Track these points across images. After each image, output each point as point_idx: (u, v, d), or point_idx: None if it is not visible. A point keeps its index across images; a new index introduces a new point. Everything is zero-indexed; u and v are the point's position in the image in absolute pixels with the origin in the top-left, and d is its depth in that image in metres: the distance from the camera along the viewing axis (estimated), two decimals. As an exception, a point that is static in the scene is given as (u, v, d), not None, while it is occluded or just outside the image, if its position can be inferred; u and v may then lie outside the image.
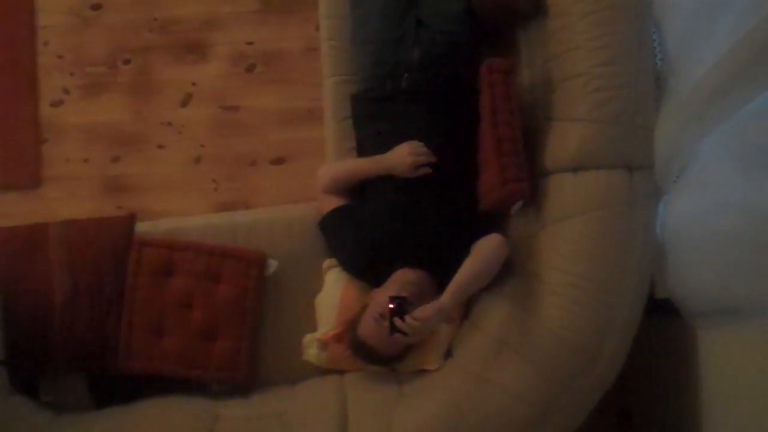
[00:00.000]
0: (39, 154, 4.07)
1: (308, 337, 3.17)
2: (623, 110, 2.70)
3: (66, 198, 4.03)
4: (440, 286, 2.87)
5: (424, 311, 2.67)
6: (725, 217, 2.30)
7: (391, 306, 2.69)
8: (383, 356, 2.89)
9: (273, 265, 3.25)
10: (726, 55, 2.20)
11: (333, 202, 3.20)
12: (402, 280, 2.90)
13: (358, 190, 3.22)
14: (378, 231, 3.05)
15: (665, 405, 3.14)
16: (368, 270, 3.10)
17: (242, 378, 3.17)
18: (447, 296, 2.75)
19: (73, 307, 3.13)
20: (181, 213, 3.77)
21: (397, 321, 2.66)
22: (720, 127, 2.37)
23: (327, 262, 3.26)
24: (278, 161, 4.02)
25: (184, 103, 4.09)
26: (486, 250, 2.87)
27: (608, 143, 2.72)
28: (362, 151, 3.31)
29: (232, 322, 3.17)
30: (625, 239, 2.63)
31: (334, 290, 3.19)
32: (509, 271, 2.91)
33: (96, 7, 4.18)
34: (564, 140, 2.81)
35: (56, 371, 3.18)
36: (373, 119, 3.26)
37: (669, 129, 2.63)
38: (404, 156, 2.99)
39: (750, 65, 2.08)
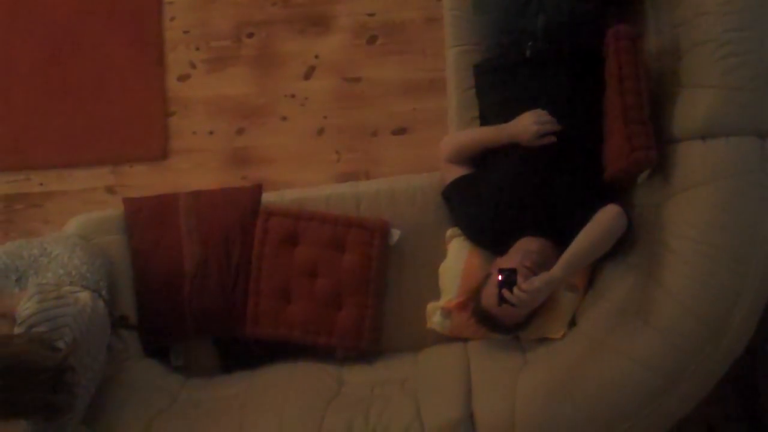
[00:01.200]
0: (166, 127, 4.18)
1: (432, 306, 3.19)
2: (755, 76, 2.62)
3: (193, 169, 4.13)
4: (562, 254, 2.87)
5: (533, 282, 2.70)
6: None
7: (499, 277, 2.72)
8: (506, 325, 2.90)
9: (396, 234, 3.28)
10: None
11: (456, 172, 3.21)
12: (525, 248, 2.90)
13: (481, 159, 3.21)
14: (502, 199, 3.04)
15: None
16: (492, 239, 3.09)
17: (366, 345, 3.22)
18: (559, 267, 2.77)
19: (202, 275, 3.22)
20: (304, 184, 3.82)
21: (505, 292, 2.69)
22: None
23: (450, 231, 3.27)
24: (400, 132, 4.04)
25: (307, 76, 4.14)
26: (603, 220, 2.85)
27: (739, 110, 2.65)
28: (486, 120, 3.31)
29: (356, 291, 3.21)
30: (757, 207, 2.56)
31: (457, 259, 3.19)
32: (634, 240, 2.89)
33: (219, -20, 4.26)
34: (693, 107, 2.75)
35: (186, 336, 3.29)
36: (497, 88, 3.25)
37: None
38: (529, 124, 2.97)
39: None
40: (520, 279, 2.72)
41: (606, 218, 2.85)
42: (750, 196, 2.57)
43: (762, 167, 2.59)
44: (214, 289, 3.22)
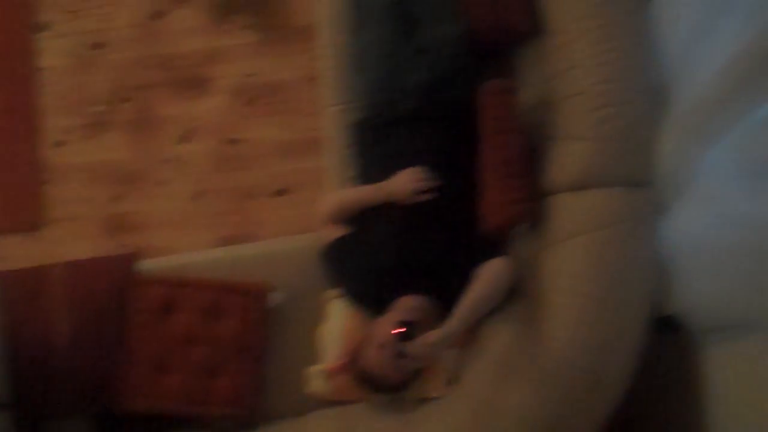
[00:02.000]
0: (41, 196, 4.08)
1: (312, 369, 3.12)
2: (625, 127, 2.67)
3: (68, 239, 4.04)
4: (444, 312, 2.84)
5: (432, 336, 2.66)
6: (730, 231, 2.27)
7: (397, 331, 2.67)
8: (388, 385, 2.84)
9: (276, 297, 3.22)
10: (725, 67, 2.18)
11: (335, 232, 3.16)
12: (405, 306, 2.85)
13: (360, 218, 3.17)
14: (381, 259, 3.00)
15: (672, 422, 3.09)
16: (372, 298, 3.04)
17: (246, 413, 3.13)
18: (454, 321, 2.73)
19: (75, 348, 3.12)
20: (184, 249, 3.77)
21: (403, 346, 2.64)
22: (722, 140, 2.34)
23: (330, 293, 3.22)
24: (280, 193, 4.01)
25: (185, 139, 4.09)
26: (492, 273, 2.85)
27: (610, 161, 2.69)
28: (364, 178, 3.27)
29: (236, 357, 3.13)
30: (629, 257, 2.59)
31: (337, 321, 3.14)
32: (513, 294, 2.88)
33: (96, 46, 4.21)
34: (566, 159, 2.78)
35: (60, 413, 3.17)
36: (374, 146, 3.23)
37: (670, 144, 2.60)
38: (406, 182, 2.95)
39: (749, 77, 2.05)
40: (418, 332, 2.68)
41: (495, 270, 2.86)
42: (621, 245, 2.61)
43: (633, 217, 2.62)
44: (89, 363, 3.12)
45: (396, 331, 2.68)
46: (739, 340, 2.40)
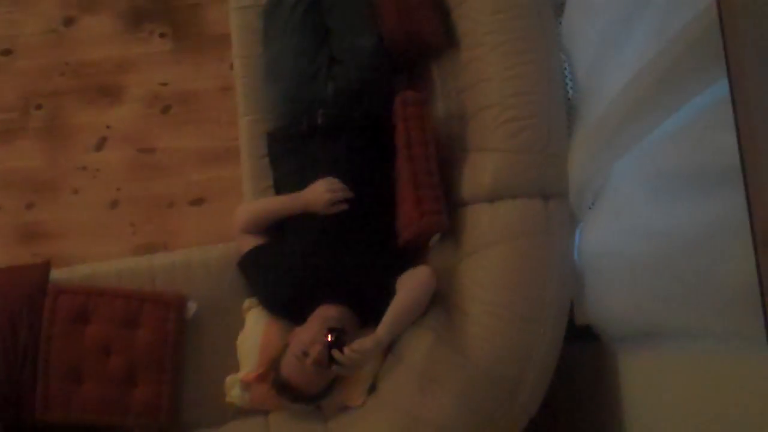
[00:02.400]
0: (-50, 205, 3.99)
1: (231, 379, 3.12)
2: (536, 139, 2.72)
3: (-21, 247, 3.96)
4: (362, 321, 2.88)
5: (363, 343, 2.68)
6: (637, 243, 2.32)
7: (329, 338, 2.69)
8: (307, 394, 2.86)
9: (193, 307, 3.20)
10: (631, 82, 2.22)
11: (252, 241, 3.17)
12: (324, 316, 2.87)
13: (277, 228, 3.19)
14: (298, 268, 3.02)
15: (591, 427, 3.15)
16: (289, 308, 3.06)
17: (164, 423, 3.10)
18: (383, 329, 2.75)
19: (-12, 359, 3.06)
20: (99, 258, 3.69)
21: (336, 353, 2.66)
22: (629, 154, 2.39)
23: (247, 302, 3.22)
24: (197, 202, 4.00)
25: (99, 147, 4.05)
26: (417, 282, 2.88)
27: (522, 172, 2.74)
28: (280, 188, 3.30)
29: (152, 367, 3.10)
30: (543, 267, 2.64)
31: (255, 330, 3.14)
32: (432, 303, 2.90)
33: (6, 52, 4.15)
34: (479, 171, 2.83)
35: (-29, 425, 3.10)
36: (290, 156, 3.25)
37: (581, 157, 2.66)
38: (321, 192, 2.97)
39: (654, 91, 2.10)
40: (348, 340, 2.70)
41: (419, 278, 2.89)
42: (535, 255, 2.66)
43: (546, 228, 2.67)
44: (2, 373, 3.05)
45: (329, 337, 2.69)
46: (650, 348, 2.46)
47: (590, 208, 2.72)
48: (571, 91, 2.87)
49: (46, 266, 3.26)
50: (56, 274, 3.27)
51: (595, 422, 3.04)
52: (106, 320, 3.13)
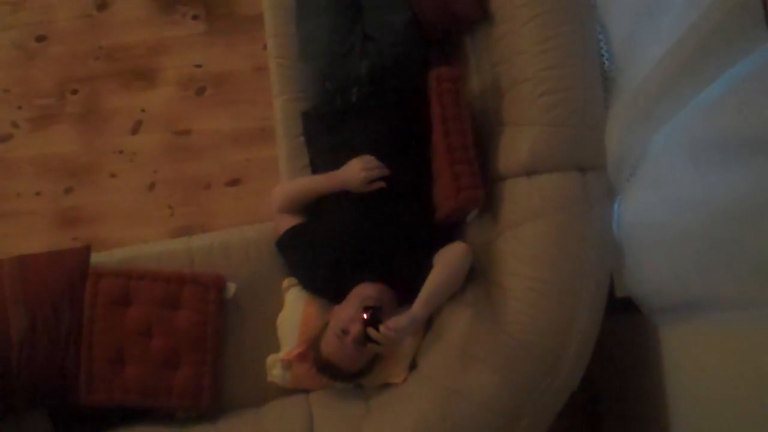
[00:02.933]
0: (-11, 191, 4.03)
1: (272, 358, 3.13)
2: (573, 112, 2.69)
3: (20, 233, 4.00)
4: (400, 299, 2.88)
5: (399, 321, 2.64)
6: (678, 214, 2.30)
7: (364, 316, 2.68)
8: (347, 372, 2.87)
9: (232, 287, 3.21)
10: (669, 51, 2.20)
11: (289, 221, 3.17)
12: (362, 294, 2.87)
13: (314, 207, 3.19)
14: (336, 247, 3.02)
15: (632, 401, 3.14)
16: (328, 287, 3.07)
17: (206, 404, 3.11)
18: (419, 306, 2.73)
19: (30, 344, 3.07)
20: (137, 241, 3.70)
21: (372, 331, 2.64)
22: (668, 124, 2.37)
23: (286, 282, 3.23)
24: (233, 183, 4.00)
25: (135, 130, 4.06)
26: (451, 258, 2.87)
27: (560, 146, 2.72)
28: (316, 167, 3.30)
29: (194, 349, 3.12)
30: (582, 240, 2.63)
31: (295, 309, 3.15)
32: (469, 279, 2.90)
33: (41, 38, 4.16)
34: (516, 145, 2.81)
35: (17, 409, 3.12)
36: (325, 135, 3.25)
37: (619, 128, 2.63)
38: (357, 171, 2.96)
39: (693, 60, 2.08)
40: (384, 318, 2.68)
41: (454, 255, 2.87)
42: (574, 229, 2.64)
43: (584, 201, 2.65)
44: (44, 358, 3.08)
45: (364, 315, 2.69)
46: (691, 320, 2.45)
47: (628, 180, 2.69)
48: (607, 63, 2.84)
49: (86, 250, 3.27)
50: (96, 258, 3.28)
51: (637, 394, 3.04)
52: (147, 303, 3.15)
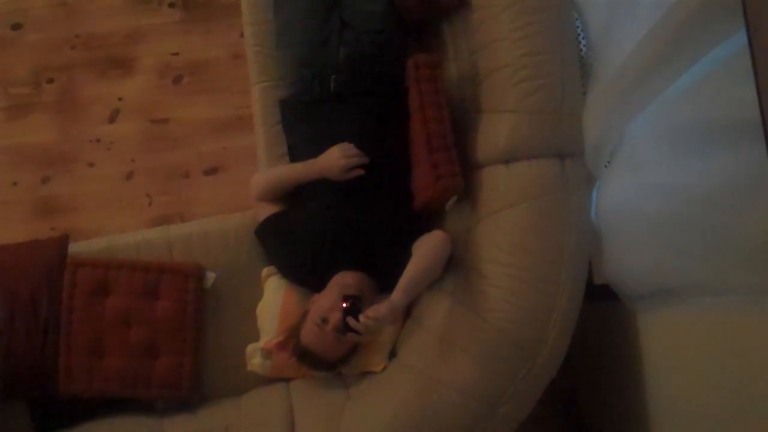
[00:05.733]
0: (-35, 181, 4.01)
1: (251, 347, 3.13)
2: (551, 99, 2.70)
3: (-3, 223, 3.97)
4: (379, 287, 2.88)
5: (378, 309, 2.62)
6: (655, 200, 2.31)
7: (344, 305, 2.67)
8: (327, 361, 2.87)
9: (211, 277, 3.20)
10: (646, 37, 2.21)
11: (268, 210, 3.17)
12: (342, 283, 2.87)
13: (293, 195, 3.18)
14: (315, 235, 3.01)
15: (610, 388, 3.16)
16: (308, 275, 3.07)
17: (186, 393, 3.11)
18: (398, 294, 2.70)
19: (9, 334, 3.06)
20: (116, 230, 3.70)
21: (351, 320, 2.63)
22: (646, 110, 2.38)
23: (266, 270, 3.22)
24: (211, 171, 4.00)
25: (112, 119, 4.05)
26: (431, 246, 2.87)
27: (538, 133, 2.72)
28: (294, 156, 3.28)
29: (173, 338, 3.11)
30: (561, 227, 2.63)
31: (274, 298, 3.15)
32: (449, 267, 2.90)
33: (16, 26, 4.14)
34: (494, 132, 2.81)
35: (-3, 398, 3.12)
36: (303, 123, 3.23)
37: (596, 115, 2.64)
38: (336, 159, 2.95)
39: (670, 46, 2.08)
40: (363, 307, 2.67)
41: (433, 243, 2.87)
42: (552, 216, 2.65)
43: (562, 187, 2.66)
44: (23, 348, 3.06)
45: (343, 305, 2.68)
46: (669, 306, 2.45)
47: (606, 167, 2.70)
48: (584, 49, 2.85)
49: (64, 240, 3.26)
50: (74, 248, 3.27)
51: (615, 381, 3.05)
52: (126, 292, 3.14)
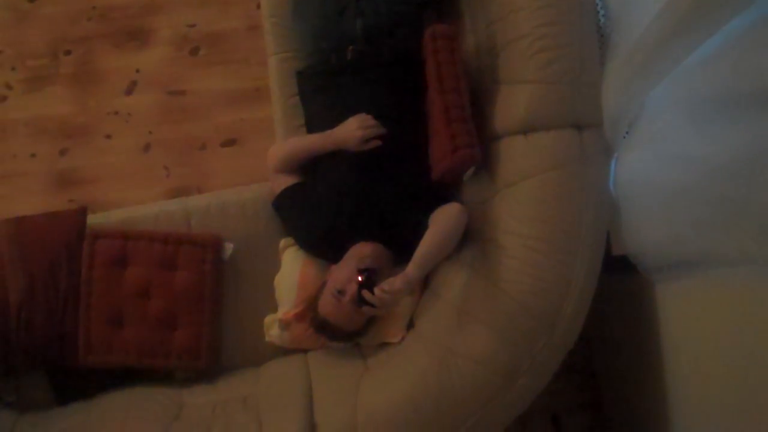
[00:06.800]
0: (-16, 153, 4.02)
1: (269, 318, 3.15)
2: (569, 69, 2.67)
3: (16, 195, 3.99)
4: (397, 258, 2.88)
5: (393, 283, 2.64)
6: (674, 170, 2.30)
7: (359, 278, 2.68)
8: (345, 332, 2.89)
9: (229, 248, 3.21)
10: (666, 6, 2.18)
11: (285, 181, 3.17)
12: (359, 254, 2.88)
13: (310, 167, 3.18)
14: (332, 207, 3.02)
15: (627, 359, 3.16)
16: (325, 246, 3.08)
17: (204, 364, 3.14)
18: (413, 267, 2.72)
19: (29, 305, 3.08)
20: (134, 202, 3.70)
21: (366, 293, 2.65)
22: (664, 80, 2.36)
23: (283, 242, 3.24)
24: (229, 143, 4.00)
25: (129, 91, 4.05)
26: (446, 219, 2.86)
27: (556, 103, 2.69)
28: (311, 127, 3.28)
29: (191, 309, 3.13)
30: (579, 198, 2.61)
31: (292, 269, 3.16)
32: (467, 239, 2.90)
33: (32, -1, 4.13)
34: (512, 103, 2.79)
35: (16, 370, 3.14)
36: (320, 94, 3.23)
37: (615, 85, 2.62)
38: (353, 130, 2.94)
39: (690, 15, 2.06)
40: (379, 279, 2.68)
41: (449, 215, 2.87)
42: (571, 187, 2.62)
43: (581, 159, 2.64)
44: (43, 319, 3.08)
45: (358, 278, 2.69)
46: (688, 277, 2.45)
47: (625, 138, 2.68)
48: (602, 19, 2.83)
49: (82, 212, 3.27)
50: (93, 219, 3.28)
51: (632, 352, 3.05)
52: (144, 263, 3.15)
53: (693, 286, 2.44)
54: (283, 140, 3.37)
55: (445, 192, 3.04)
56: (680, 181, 2.27)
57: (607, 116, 2.66)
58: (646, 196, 2.54)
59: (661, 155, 2.41)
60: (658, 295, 2.71)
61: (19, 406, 3.14)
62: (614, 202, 2.75)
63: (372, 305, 2.67)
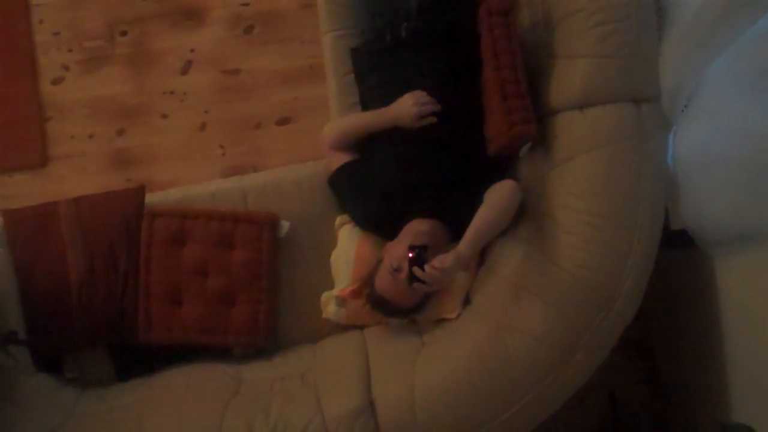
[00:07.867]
0: (44, 133, 4.07)
1: (326, 295, 3.17)
2: (626, 43, 2.64)
3: (74, 175, 4.03)
4: (454, 235, 2.88)
5: (444, 260, 2.62)
6: (735, 144, 2.27)
7: (410, 255, 2.68)
8: (401, 308, 2.89)
9: (285, 226, 3.24)
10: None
11: (341, 159, 3.19)
12: (415, 230, 2.88)
13: (365, 144, 3.19)
14: (388, 183, 3.03)
15: (685, 336, 3.14)
16: (381, 223, 3.08)
17: (262, 340, 3.18)
18: (465, 244, 2.70)
19: (89, 283, 3.13)
20: (189, 181, 3.73)
21: (417, 270, 2.63)
22: (724, 53, 2.33)
23: (339, 219, 3.26)
24: (283, 121, 4.01)
25: (185, 71, 4.07)
26: (500, 196, 2.84)
27: (613, 77, 2.67)
28: (366, 104, 3.29)
29: (249, 286, 3.17)
30: (637, 173, 2.59)
31: (348, 246, 3.18)
32: (522, 214, 2.88)
33: (89, -20, 4.16)
34: (569, 78, 2.76)
35: (78, 347, 3.20)
36: (375, 71, 3.23)
37: (673, 58, 2.59)
38: (408, 106, 2.93)
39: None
40: (431, 257, 2.67)
41: (502, 192, 2.85)
42: (628, 161, 2.60)
43: (638, 133, 2.61)
44: (103, 297, 3.13)
45: (409, 255, 2.69)
46: (748, 252, 2.43)
47: (683, 111, 2.66)
48: (660, -7, 2.80)
49: (140, 191, 3.31)
50: (150, 199, 3.32)
51: (690, 327, 3.03)
52: (202, 242, 3.19)
53: (753, 260, 2.41)
54: (338, 118, 3.38)
55: (500, 168, 3.03)
56: (739, 154, 2.25)
57: (666, 90, 2.63)
58: (705, 169, 2.52)
59: (721, 128, 2.39)
60: (717, 270, 2.69)
61: (82, 383, 3.19)
62: (672, 177, 2.72)
63: (423, 282, 2.67)
